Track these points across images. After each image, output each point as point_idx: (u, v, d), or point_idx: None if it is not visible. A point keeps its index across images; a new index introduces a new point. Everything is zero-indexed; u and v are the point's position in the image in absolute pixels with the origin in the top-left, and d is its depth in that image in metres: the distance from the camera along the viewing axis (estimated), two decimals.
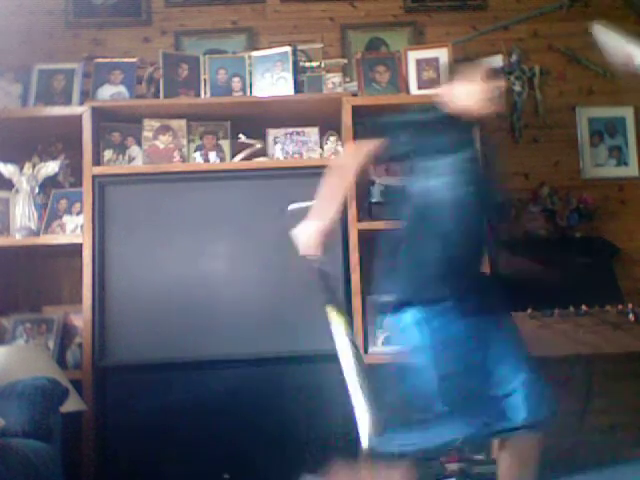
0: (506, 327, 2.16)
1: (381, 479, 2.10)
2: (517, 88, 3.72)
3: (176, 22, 3.80)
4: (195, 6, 3.82)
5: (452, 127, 2.20)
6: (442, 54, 3.31)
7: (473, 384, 2.03)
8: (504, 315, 2.20)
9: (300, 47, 3.44)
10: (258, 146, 3.27)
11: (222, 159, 3.26)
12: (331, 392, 2.93)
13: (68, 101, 3.31)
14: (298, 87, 3.30)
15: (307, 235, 2.13)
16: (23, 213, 3.18)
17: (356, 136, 3.23)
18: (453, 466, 3.02)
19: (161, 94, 3.26)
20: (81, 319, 3.04)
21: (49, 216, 3.23)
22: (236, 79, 3.33)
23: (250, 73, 3.34)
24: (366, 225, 3.11)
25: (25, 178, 3.21)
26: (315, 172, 3.11)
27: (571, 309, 3.03)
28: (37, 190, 3.22)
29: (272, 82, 3.31)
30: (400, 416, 2.08)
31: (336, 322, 2.19)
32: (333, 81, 3.32)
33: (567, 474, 3.22)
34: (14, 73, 3.37)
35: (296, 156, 3.28)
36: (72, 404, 2.65)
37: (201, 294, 3.03)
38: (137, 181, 3.13)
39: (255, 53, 3.40)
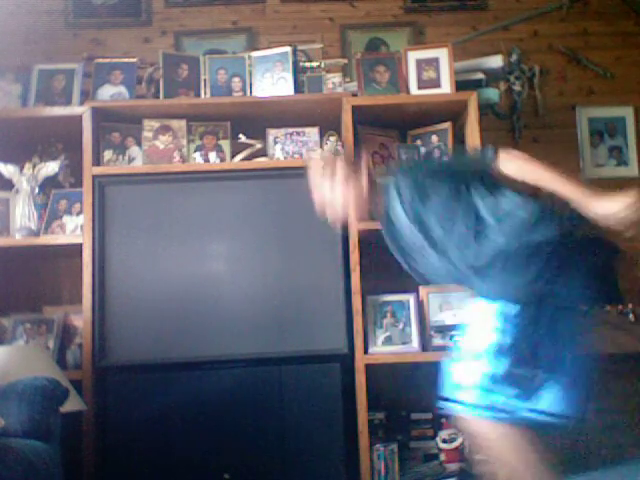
0: None
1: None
2: (517, 88, 3.72)
3: (176, 22, 3.80)
4: (195, 6, 3.82)
5: None
6: (442, 54, 3.30)
7: None
8: None
9: (300, 47, 3.44)
10: (258, 146, 3.27)
11: (222, 159, 3.26)
12: (331, 392, 2.94)
13: (68, 101, 3.31)
14: (298, 87, 3.30)
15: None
16: (23, 213, 3.18)
17: (356, 136, 3.24)
18: (453, 466, 3.03)
19: (161, 94, 3.26)
20: (81, 319, 3.04)
21: (49, 216, 3.23)
22: (236, 79, 3.33)
23: (250, 73, 3.34)
24: (366, 225, 3.11)
25: (25, 178, 3.21)
26: None
27: None
28: (37, 190, 3.22)
29: (272, 82, 3.31)
30: None
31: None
32: (333, 81, 3.32)
33: (567, 474, 3.22)
34: (14, 73, 3.36)
35: (296, 156, 3.28)
36: (72, 404, 2.65)
37: (201, 294, 3.03)
38: (137, 181, 3.13)
39: (255, 53, 3.40)
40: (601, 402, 3.51)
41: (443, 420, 3.15)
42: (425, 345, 3.09)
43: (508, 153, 2.03)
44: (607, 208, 1.88)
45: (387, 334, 3.10)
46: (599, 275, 2.07)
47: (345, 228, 2.91)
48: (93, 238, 3.04)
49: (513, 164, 2.00)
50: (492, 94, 3.40)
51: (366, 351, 3.03)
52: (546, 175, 1.96)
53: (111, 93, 3.29)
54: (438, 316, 3.13)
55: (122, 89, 3.30)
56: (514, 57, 3.73)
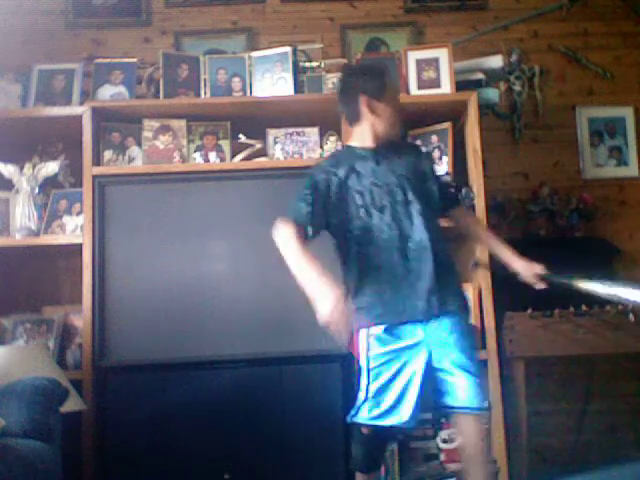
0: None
1: None
2: (517, 88, 3.72)
3: (176, 22, 3.80)
4: (195, 6, 3.82)
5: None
6: (442, 54, 3.30)
7: None
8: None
9: (300, 47, 3.44)
10: (258, 146, 3.27)
11: (222, 159, 3.26)
12: (331, 392, 2.93)
13: (68, 101, 3.31)
14: (298, 87, 3.30)
15: (331, 312, 2.18)
16: (23, 213, 3.18)
17: None
18: (453, 466, 3.02)
19: (161, 94, 3.26)
20: (81, 319, 3.04)
21: (49, 216, 3.23)
22: (236, 79, 3.33)
23: (250, 73, 3.34)
24: None
25: (25, 178, 3.21)
26: None
27: (571, 309, 3.03)
28: (37, 190, 3.22)
29: (272, 82, 3.31)
30: None
31: None
32: (333, 81, 3.31)
33: (567, 474, 3.22)
34: (14, 73, 3.36)
35: (296, 156, 3.28)
36: (72, 404, 2.65)
37: (201, 294, 3.03)
38: (137, 181, 3.12)
39: (255, 53, 3.40)
40: (601, 402, 3.52)
41: (443, 420, 3.15)
42: None
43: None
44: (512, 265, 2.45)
45: None
46: None
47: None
48: (93, 238, 3.04)
49: (474, 217, 2.48)
50: (492, 94, 3.40)
51: None
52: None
53: (111, 93, 3.29)
54: None
55: (122, 89, 3.30)
56: (514, 57, 3.73)
